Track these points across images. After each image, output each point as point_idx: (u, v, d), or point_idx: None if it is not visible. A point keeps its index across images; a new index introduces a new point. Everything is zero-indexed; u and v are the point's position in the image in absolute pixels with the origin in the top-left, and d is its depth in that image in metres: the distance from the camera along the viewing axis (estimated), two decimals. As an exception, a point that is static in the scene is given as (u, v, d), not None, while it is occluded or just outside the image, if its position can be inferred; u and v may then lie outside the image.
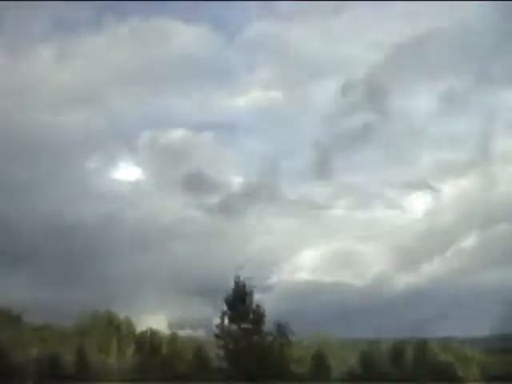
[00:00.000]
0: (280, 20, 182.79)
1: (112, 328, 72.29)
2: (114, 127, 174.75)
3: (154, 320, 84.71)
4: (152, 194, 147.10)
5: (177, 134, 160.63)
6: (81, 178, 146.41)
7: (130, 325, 74.02)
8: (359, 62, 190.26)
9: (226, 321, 35.73)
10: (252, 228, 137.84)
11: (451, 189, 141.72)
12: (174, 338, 71.62)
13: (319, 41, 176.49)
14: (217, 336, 35.78)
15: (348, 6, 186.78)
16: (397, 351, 67.86)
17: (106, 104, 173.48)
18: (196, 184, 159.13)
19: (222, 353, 35.81)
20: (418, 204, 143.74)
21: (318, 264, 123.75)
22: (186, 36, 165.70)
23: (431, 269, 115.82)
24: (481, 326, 74.60)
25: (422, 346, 69.08)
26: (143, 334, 71.28)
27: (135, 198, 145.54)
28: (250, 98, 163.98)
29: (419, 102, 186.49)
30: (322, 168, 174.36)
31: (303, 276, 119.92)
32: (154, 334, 70.90)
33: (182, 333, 75.98)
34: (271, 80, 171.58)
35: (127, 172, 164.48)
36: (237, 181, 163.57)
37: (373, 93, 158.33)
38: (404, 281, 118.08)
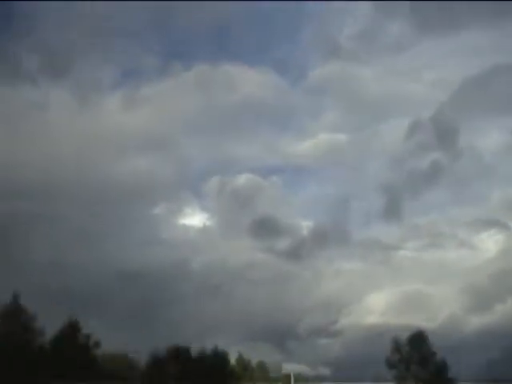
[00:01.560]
0: (344, 61, 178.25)
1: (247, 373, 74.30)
2: (180, 173, 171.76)
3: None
4: (220, 239, 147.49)
5: (244, 179, 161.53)
6: (149, 225, 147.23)
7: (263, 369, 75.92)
8: (425, 100, 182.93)
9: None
10: (321, 272, 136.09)
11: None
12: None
13: (384, 80, 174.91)
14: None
15: (411, 42, 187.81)
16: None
17: (173, 151, 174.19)
18: (264, 228, 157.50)
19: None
20: (490, 243, 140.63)
21: (387, 307, 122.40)
22: (251, 81, 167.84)
23: (505, 309, 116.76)
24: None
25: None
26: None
27: (203, 243, 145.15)
28: (316, 141, 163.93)
29: (489, 138, 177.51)
30: (391, 209, 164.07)
31: (372, 319, 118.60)
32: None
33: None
34: (337, 122, 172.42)
35: (194, 218, 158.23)
36: (305, 224, 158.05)
37: (441, 131, 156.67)
38: (476, 322, 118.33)
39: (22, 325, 66.00)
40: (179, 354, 72.39)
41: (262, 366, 75.72)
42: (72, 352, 65.77)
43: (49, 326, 78.40)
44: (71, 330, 68.58)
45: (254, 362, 75.73)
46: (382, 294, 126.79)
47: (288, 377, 71.86)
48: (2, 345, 63.48)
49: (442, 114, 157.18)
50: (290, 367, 79.95)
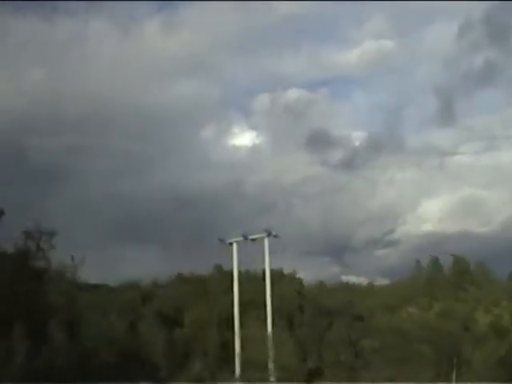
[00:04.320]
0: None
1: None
2: (226, 94, 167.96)
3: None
4: (271, 156, 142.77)
5: (291, 94, 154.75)
6: (198, 148, 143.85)
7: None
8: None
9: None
10: (375, 181, 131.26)
11: None
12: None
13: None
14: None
15: None
16: None
17: (216, 72, 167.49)
18: (316, 142, 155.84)
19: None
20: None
21: (442, 214, 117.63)
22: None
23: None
24: None
25: None
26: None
27: (255, 162, 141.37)
28: (361, 50, 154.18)
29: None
30: (445, 113, 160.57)
31: (428, 227, 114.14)
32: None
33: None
34: (382, 28, 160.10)
35: (244, 138, 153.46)
36: (357, 135, 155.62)
37: (492, 29, 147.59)
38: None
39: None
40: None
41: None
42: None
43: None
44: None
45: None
46: (437, 201, 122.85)
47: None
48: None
49: (492, 12, 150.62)
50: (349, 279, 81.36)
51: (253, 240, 37.72)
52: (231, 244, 37.63)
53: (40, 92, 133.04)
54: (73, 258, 43.39)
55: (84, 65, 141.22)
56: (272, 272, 75.74)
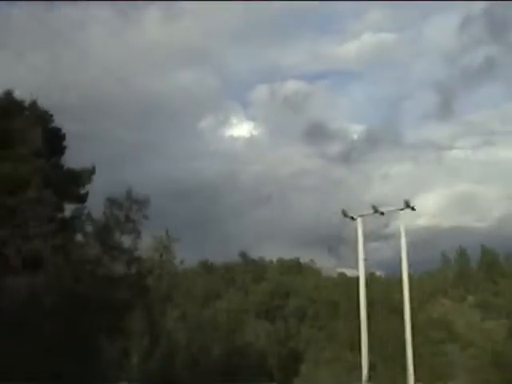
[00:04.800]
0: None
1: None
2: (224, 84, 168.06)
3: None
4: (269, 148, 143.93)
5: (290, 86, 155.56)
6: (196, 138, 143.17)
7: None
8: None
9: None
10: (371, 175, 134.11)
11: None
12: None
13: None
14: None
15: None
16: None
17: (215, 61, 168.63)
18: (314, 135, 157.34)
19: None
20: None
21: (438, 208, 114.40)
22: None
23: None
24: None
25: None
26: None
27: (252, 153, 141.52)
28: (360, 43, 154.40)
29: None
30: (443, 107, 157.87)
31: (423, 222, 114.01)
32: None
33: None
34: (381, 21, 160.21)
35: (242, 128, 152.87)
36: (355, 128, 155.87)
37: (494, 25, 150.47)
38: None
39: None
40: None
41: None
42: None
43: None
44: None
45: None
46: (433, 195, 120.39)
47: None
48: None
49: (494, 6, 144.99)
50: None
51: (382, 214, 31.43)
52: (353, 218, 31.21)
53: (39, 79, 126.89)
54: (167, 233, 37.50)
55: (83, 53, 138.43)
56: (288, 262, 73.50)
